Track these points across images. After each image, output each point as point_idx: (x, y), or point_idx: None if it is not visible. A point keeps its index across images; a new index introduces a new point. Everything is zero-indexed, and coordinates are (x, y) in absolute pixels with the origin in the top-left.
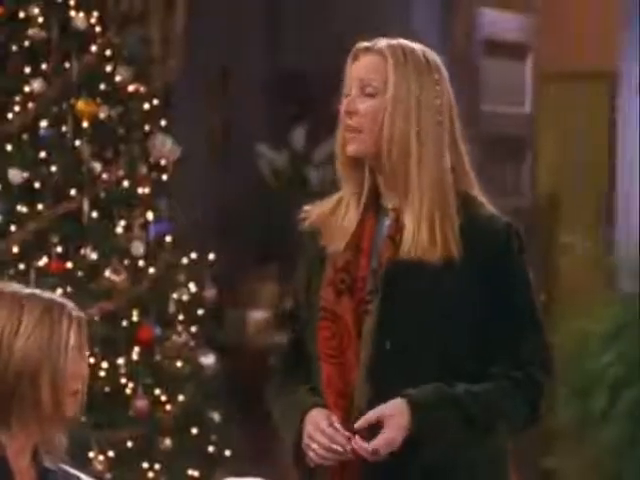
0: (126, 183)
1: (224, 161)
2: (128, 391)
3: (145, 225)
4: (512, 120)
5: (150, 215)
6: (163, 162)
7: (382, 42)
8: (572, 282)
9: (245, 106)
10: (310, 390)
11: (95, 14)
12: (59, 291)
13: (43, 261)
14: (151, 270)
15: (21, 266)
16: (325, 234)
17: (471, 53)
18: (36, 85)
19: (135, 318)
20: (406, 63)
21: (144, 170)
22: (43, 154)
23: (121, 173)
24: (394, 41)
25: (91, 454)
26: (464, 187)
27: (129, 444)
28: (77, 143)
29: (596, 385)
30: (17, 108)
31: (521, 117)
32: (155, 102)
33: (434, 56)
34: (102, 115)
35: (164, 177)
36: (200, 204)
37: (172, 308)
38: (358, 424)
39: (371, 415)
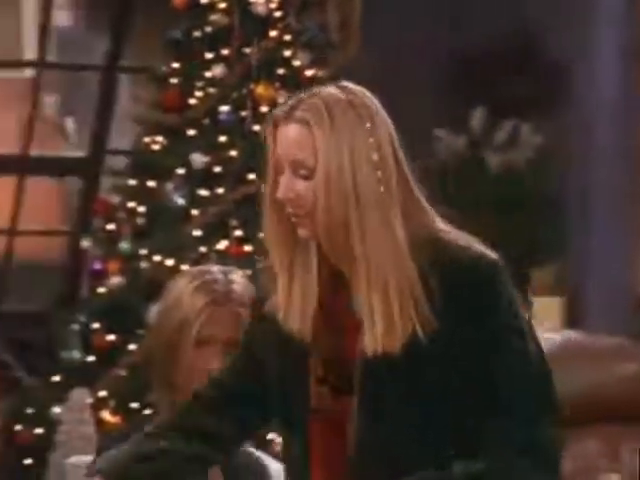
0: None
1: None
2: None
3: None
4: None
5: None
6: None
7: (301, 107)
8: None
9: (423, 91)
10: None
11: (275, 0)
12: None
13: (223, 244)
14: None
15: (202, 249)
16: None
17: None
18: (217, 70)
19: None
20: (333, 127)
21: None
22: (223, 138)
23: None
24: (314, 99)
25: None
26: (425, 229)
27: None
28: (256, 128)
29: None
30: (199, 93)
31: None
32: None
33: (362, 96)
34: (281, 100)
35: None
36: None
37: None
38: None
39: None
